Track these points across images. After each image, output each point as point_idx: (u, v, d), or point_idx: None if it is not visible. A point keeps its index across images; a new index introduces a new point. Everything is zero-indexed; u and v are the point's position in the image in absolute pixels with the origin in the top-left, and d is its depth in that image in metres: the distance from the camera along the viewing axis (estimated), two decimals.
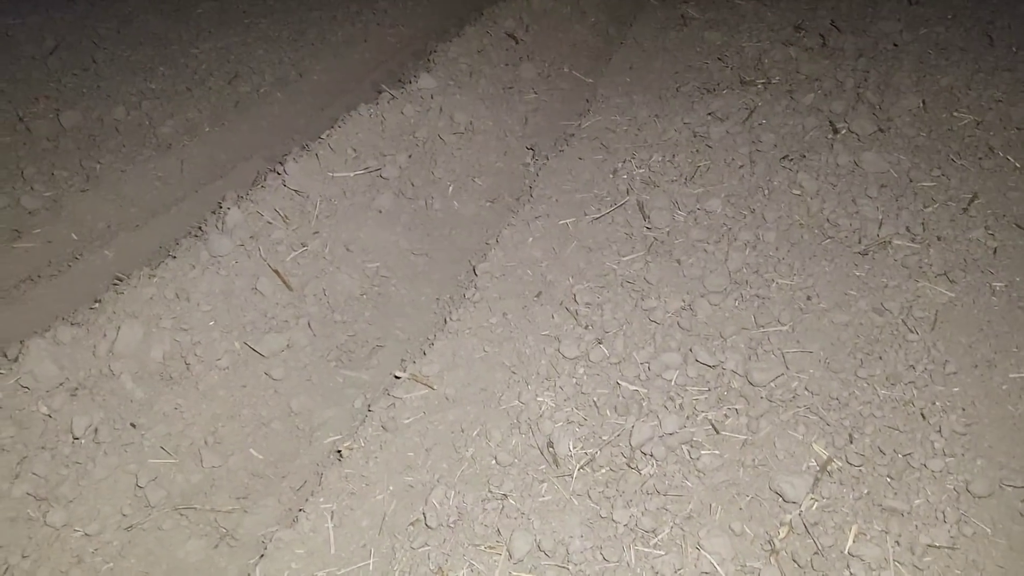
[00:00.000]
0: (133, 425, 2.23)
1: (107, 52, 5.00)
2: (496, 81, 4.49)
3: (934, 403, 2.28)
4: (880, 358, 2.46)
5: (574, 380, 2.40)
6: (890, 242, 2.99)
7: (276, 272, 2.75)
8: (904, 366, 2.42)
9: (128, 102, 4.30)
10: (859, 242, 3.03)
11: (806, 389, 2.35)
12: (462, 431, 2.23)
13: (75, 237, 3.24)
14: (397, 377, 2.40)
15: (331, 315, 2.73)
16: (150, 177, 3.66)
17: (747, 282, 2.83)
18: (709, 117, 3.99)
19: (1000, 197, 3.23)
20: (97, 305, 2.52)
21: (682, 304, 2.72)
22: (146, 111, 4.24)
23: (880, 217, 3.14)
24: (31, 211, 3.34)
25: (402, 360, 2.61)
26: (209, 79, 4.73)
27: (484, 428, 2.23)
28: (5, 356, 2.30)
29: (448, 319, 2.67)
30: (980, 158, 3.48)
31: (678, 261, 2.95)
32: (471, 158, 3.72)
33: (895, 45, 4.68)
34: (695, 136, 3.86)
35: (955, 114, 3.85)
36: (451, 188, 3.48)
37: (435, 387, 2.35)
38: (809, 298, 2.74)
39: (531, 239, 3.12)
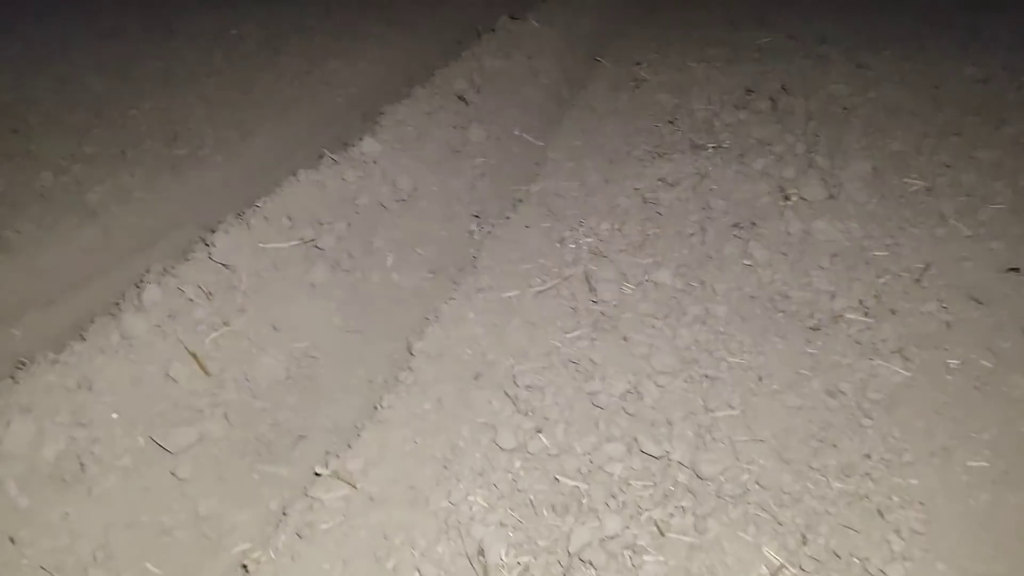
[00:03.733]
0: (12, 540, 2.01)
1: (41, 113, 4.82)
2: (444, 144, 4.37)
3: (891, 498, 2.14)
4: (834, 446, 2.33)
5: (510, 475, 2.23)
6: (843, 316, 2.89)
7: (193, 356, 2.56)
8: (859, 455, 2.28)
9: (56, 166, 4.11)
10: (811, 315, 2.92)
11: (757, 483, 2.20)
12: (385, 538, 2.04)
13: None
14: (317, 474, 2.21)
15: (251, 402, 2.54)
16: (72, 247, 3.45)
17: (696, 361, 2.70)
18: (659, 183, 3.91)
19: (953, 267, 3.16)
20: None
21: (628, 386, 2.57)
22: (75, 176, 4.05)
23: (833, 289, 3.04)
24: None
25: (327, 452, 2.41)
26: (146, 141, 4.56)
27: (409, 534, 2.04)
28: None
29: (378, 406, 2.49)
30: (932, 226, 3.42)
31: (625, 338, 2.81)
32: (413, 226, 3.57)
33: (844, 109, 4.67)
34: (645, 202, 3.77)
35: (905, 180, 3.80)
36: (391, 259, 3.32)
37: (358, 486, 2.16)
38: (760, 378, 2.61)
39: (472, 315, 2.97)
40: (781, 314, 2.95)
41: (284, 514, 2.12)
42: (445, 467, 2.26)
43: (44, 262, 3.32)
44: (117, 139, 4.56)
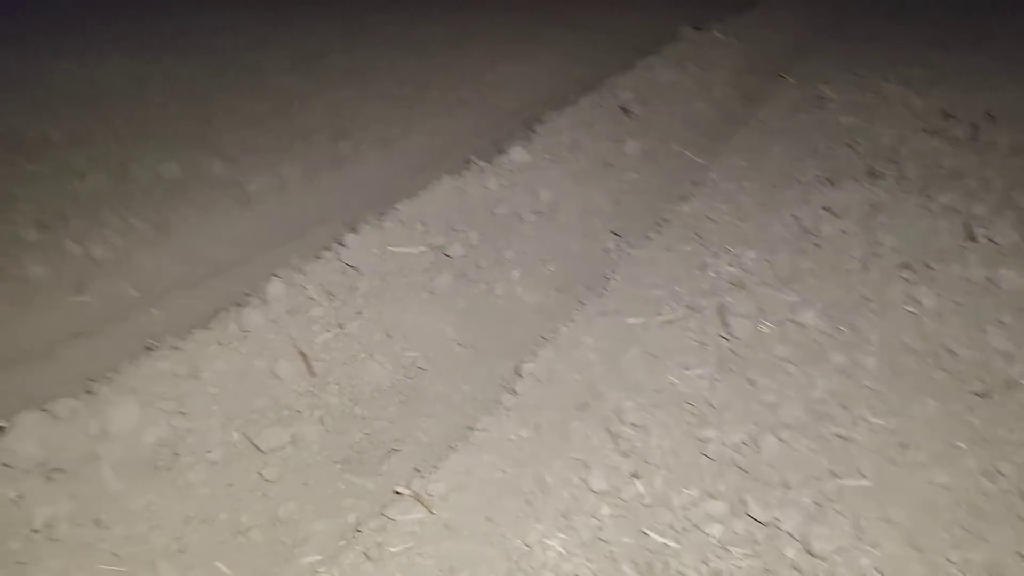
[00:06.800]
0: (96, 522, 2.07)
1: (226, 104, 5.12)
2: (596, 157, 4.23)
3: None
4: (983, 539, 1.97)
5: (595, 521, 2.06)
6: (1018, 383, 2.48)
7: (302, 355, 2.58)
8: (1011, 554, 1.92)
9: (227, 155, 4.34)
10: (979, 379, 2.53)
11: (877, 570, 1.90)
12: (452, 571, 1.94)
13: (135, 293, 3.21)
14: (397, 493, 2.14)
15: (351, 408, 2.51)
16: (224, 235, 3.62)
17: (830, 417, 2.40)
18: (823, 212, 3.57)
19: None
20: (112, 375, 2.41)
21: (745, 437, 2.32)
22: (242, 166, 4.26)
23: (1012, 350, 2.62)
24: (99, 262, 3.34)
25: (416, 469, 2.35)
26: (314, 135, 4.74)
27: (475, 571, 1.93)
28: (2, 429, 2.20)
29: (474, 428, 2.39)
30: None
31: (751, 382, 2.55)
32: (547, 240, 3.46)
33: None
34: (804, 232, 3.45)
35: None
36: (518, 273, 3.22)
37: (434, 511, 2.07)
38: (904, 446, 2.28)
39: (590, 339, 2.81)
40: (943, 373, 2.58)
41: (358, 531, 2.07)
42: (528, 503, 2.12)
43: (195, 246, 3.50)
44: (288, 131, 4.77)
